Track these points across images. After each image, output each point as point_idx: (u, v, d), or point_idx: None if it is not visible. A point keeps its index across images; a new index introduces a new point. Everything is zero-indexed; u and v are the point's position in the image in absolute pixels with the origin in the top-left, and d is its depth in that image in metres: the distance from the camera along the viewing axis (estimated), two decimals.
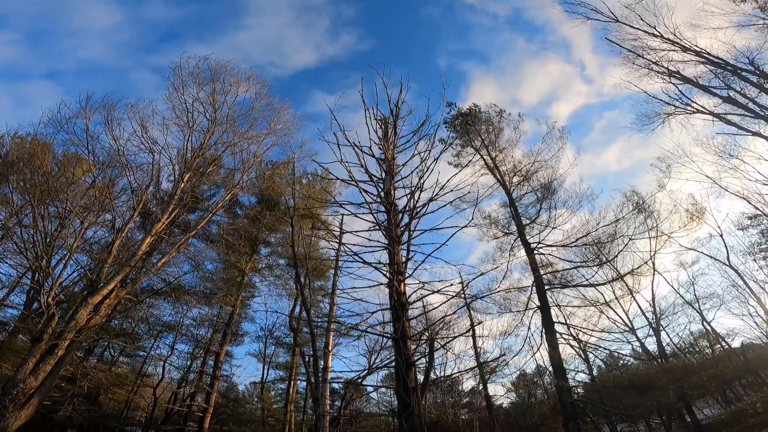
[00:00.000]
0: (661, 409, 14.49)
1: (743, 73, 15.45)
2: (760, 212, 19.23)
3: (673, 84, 17.12)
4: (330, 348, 20.15)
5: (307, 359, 21.01)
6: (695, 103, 17.04)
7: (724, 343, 20.51)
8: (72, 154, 15.94)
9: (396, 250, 12.71)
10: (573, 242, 15.14)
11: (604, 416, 16.22)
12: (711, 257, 21.04)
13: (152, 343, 25.09)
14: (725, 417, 17.43)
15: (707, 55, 16.15)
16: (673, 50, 16.95)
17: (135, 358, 26.47)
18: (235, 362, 40.86)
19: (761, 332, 20.55)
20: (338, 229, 18.51)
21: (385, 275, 12.33)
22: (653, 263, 19.88)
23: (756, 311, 20.34)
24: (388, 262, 12.62)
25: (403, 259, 12.84)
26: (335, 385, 27.90)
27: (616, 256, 16.61)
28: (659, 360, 17.64)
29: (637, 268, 18.00)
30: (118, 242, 14.03)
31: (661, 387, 13.13)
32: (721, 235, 20.38)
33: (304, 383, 26.16)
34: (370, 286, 12.88)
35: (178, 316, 24.73)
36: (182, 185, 15.97)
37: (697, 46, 16.53)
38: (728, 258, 20.23)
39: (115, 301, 14.32)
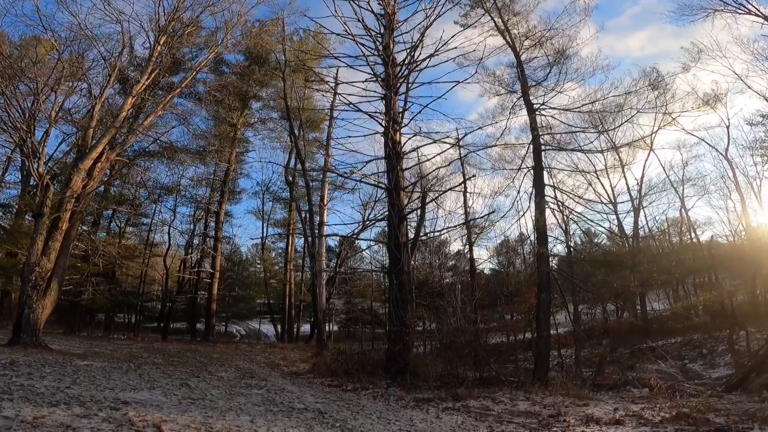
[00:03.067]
0: (622, 292, 15.84)
1: None
2: None
3: None
4: (325, 202, 21.04)
5: (303, 215, 22.22)
6: (750, 4, 15.64)
7: (694, 235, 21.88)
8: (30, 37, 15.09)
9: (393, 99, 12.66)
10: (578, 107, 14.76)
11: (571, 293, 17.87)
12: (710, 145, 21.30)
13: (154, 209, 26.08)
14: (669, 313, 19.51)
15: None
16: None
17: (140, 228, 27.76)
18: (236, 222, 43.08)
19: (730, 231, 21.88)
20: (333, 80, 18.04)
21: (380, 123, 12.43)
22: (652, 140, 20.16)
23: (734, 207, 21.27)
24: (384, 111, 12.65)
25: (400, 110, 12.93)
26: (331, 243, 29.77)
27: (620, 126, 16.71)
28: (631, 240, 18.97)
29: (636, 140, 18.35)
30: (98, 107, 13.92)
31: (630, 267, 14.14)
32: (728, 127, 20.36)
33: (302, 241, 27.78)
34: (365, 135, 13.51)
35: (175, 177, 25.20)
36: (158, 48, 14.96)
37: None
38: (727, 149, 20.46)
39: (107, 165, 14.65)
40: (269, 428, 5.07)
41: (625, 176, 22.65)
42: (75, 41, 13.81)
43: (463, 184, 19.92)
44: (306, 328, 29.19)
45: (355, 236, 20.24)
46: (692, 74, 18.73)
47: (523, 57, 15.55)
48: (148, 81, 14.76)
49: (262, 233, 31.01)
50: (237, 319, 31.82)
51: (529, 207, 14.04)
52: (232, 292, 29.32)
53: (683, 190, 21.74)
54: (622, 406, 6.80)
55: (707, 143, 21.34)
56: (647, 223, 23.16)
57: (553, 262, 17.50)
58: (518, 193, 14.64)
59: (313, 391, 8.86)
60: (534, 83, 15.38)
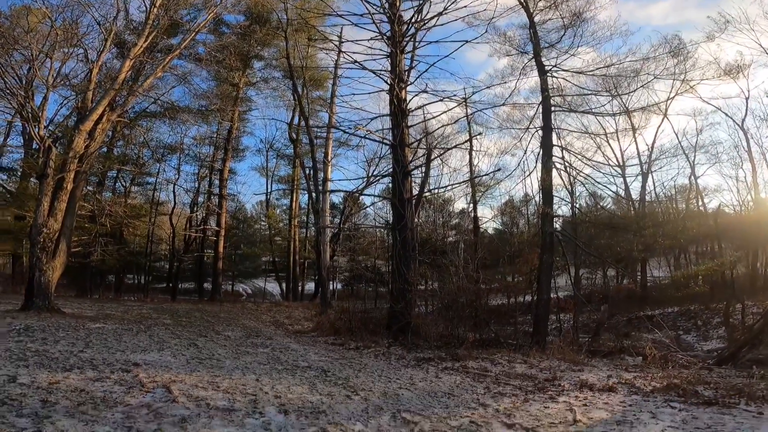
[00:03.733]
0: (625, 257, 15.89)
1: None
2: None
3: None
4: (329, 158, 21.07)
5: (307, 172, 22.39)
6: None
7: (701, 203, 21.83)
8: (20, 7, 14.91)
9: (399, 58, 12.54)
10: (592, 70, 14.41)
11: (573, 256, 18.00)
12: (727, 115, 20.85)
13: (158, 167, 26.28)
14: (669, 281, 19.65)
15: None
16: None
17: (145, 187, 27.97)
18: (240, 179, 43.21)
19: (738, 200, 21.71)
20: (337, 38, 17.70)
21: (385, 81, 12.41)
22: (667, 106, 19.79)
23: (745, 177, 21.06)
24: (389, 69, 12.58)
25: (406, 68, 12.86)
26: (335, 200, 29.93)
27: (634, 91, 16.36)
28: (637, 204, 19.02)
29: (651, 106, 18.02)
30: (96, 71, 13.91)
31: (635, 231, 14.09)
32: (747, 98, 19.91)
33: (307, 198, 28.08)
34: (369, 93, 13.68)
35: (178, 137, 25.22)
36: (155, 10, 14.61)
37: None
38: (744, 120, 20.03)
39: (108, 126, 14.80)
40: (274, 386, 5.22)
41: (636, 141, 22.51)
42: (67, 8, 13.56)
43: (469, 142, 19.85)
44: (310, 286, 29.80)
45: (359, 192, 20.31)
46: (716, 44, 18.35)
47: (536, 18, 15.00)
48: (146, 44, 14.55)
49: (266, 190, 31.23)
50: (243, 277, 32.48)
51: (535, 167, 13.97)
52: (238, 250, 29.88)
53: (695, 156, 21.58)
54: (615, 373, 6.93)
55: (724, 112, 20.93)
56: (655, 189, 23.21)
57: (557, 224, 17.68)
58: (525, 153, 14.54)
59: (317, 349, 9.07)
60: (547, 45, 14.93)
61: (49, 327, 8.30)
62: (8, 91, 12.28)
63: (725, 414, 4.47)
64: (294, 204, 29.78)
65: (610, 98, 16.22)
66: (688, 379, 5.99)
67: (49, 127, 14.24)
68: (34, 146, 17.98)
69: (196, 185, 27.29)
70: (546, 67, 14.25)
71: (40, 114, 12.94)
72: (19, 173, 22.02)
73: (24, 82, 12.53)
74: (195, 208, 27.32)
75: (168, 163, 26.75)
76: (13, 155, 22.88)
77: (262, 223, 33.42)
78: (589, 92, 15.83)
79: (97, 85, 13.93)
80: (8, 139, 21.92)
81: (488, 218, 30.65)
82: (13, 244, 19.23)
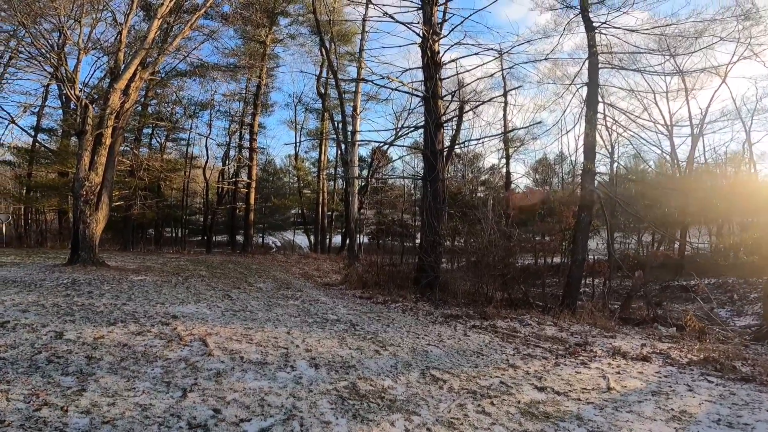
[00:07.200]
0: (671, 220, 15.01)
1: None
2: None
3: None
4: (358, 111, 20.92)
5: (336, 124, 22.38)
6: None
7: (753, 170, 20.66)
8: None
9: (432, 10, 12.05)
10: (647, 29, 13.22)
11: (610, 217, 17.25)
12: None
13: (191, 123, 27.26)
14: (709, 251, 18.65)
15: None
16: None
17: (179, 143, 29.18)
18: (269, 133, 43.76)
19: None
20: None
21: (417, 34, 12.12)
22: (727, 71, 18.40)
23: None
24: (422, 22, 12.21)
25: (439, 21, 12.47)
26: (363, 153, 29.97)
27: (695, 52, 14.89)
28: (684, 166, 17.92)
29: (709, 68, 16.79)
30: (125, 32, 14.00)
31: (687, 193, 13.13)
32: None
33: (335, 151, 28.37)
34: (400, 46, 13.79)
35: (209, 94, 25.92)
36: None
37: None
38: None
39: (141, 83, 15.06)
40: (305, 339, 5.34)
41: (688, 103, 21.10)
42: None
43: (503, 96, 19.07)
44: (337, 239, 30.50)
45: (389, 144, 20.14)
46: None
47: None
48: (171, 4, 14.46)
49: (295, 141, 31.61)
50: (273, 230, 33.70)
51: (576, 124, 13.31)
52: (268, 203, 30.76)
53: (751, 122, 20.25)
54: (649, 343, 6.73)
55: None
56: (705, 153, 21.99)
57: (596, 181, 17.01)
58: (564, 112, 13.84)
59: (345, 302, 9.17)
60: (596, 0, 13.77)
61: (95, 280, 8.64)
62: (41, 58, 12.60)
63: (762, 392, 4.36)
64: (323, 156, 30.02)
65: (665, 59, 14.93)
66: (726, 354, 5.77)
67: (85, 89, 14.71)
68: (71, 106, 18.63)
69: (228, 140, 28.27)
70: (594, 24, 13.20)
71: (75, 76, 13.14)
72: (60, 133, 23.09)
73: (57, 48, 12.73)
74: (227, 162, 28.19)
75: (200, 119, 27.85)
76: (52, 116, 23.99)
77: (292, 175, 34.01)
78: (644, 51, 14.52)
79: (128, 46, 14.13)
80: (46, 102, 22.84)
81: (520, 174, 29.97)
82: (58, 199, 20.42)
